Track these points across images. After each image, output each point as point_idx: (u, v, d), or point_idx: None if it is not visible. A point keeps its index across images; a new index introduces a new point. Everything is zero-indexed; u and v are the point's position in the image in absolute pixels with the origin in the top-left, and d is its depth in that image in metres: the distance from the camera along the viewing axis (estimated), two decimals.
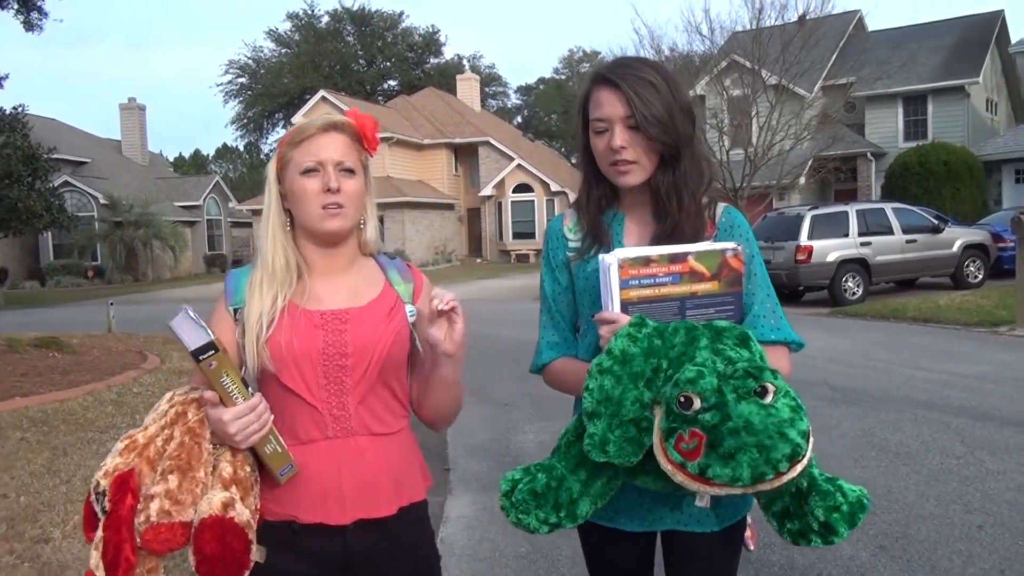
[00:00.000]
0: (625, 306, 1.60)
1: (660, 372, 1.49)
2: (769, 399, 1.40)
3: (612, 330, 1.56)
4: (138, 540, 1.49)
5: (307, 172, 1.69)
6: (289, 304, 1.69)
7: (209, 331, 1.53)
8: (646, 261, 1.60)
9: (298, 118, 34.83)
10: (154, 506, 1.49)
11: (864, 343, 10.35)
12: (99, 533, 1.53)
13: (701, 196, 1.77)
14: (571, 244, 1.86)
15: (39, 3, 11.74)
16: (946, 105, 27.69)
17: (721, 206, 1.83)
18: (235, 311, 1.71)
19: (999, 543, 3.87)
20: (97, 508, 1.55)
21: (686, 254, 1.61)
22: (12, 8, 11.62)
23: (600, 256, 1.64)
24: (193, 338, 1.52)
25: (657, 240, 1.75)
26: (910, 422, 6.19)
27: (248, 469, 1.61)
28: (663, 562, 1.85)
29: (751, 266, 1.72)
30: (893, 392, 7.24)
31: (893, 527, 4.08)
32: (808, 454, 1.40)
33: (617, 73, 1.73)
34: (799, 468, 1.39)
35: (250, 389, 1.59)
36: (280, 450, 1.64)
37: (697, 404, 1.40)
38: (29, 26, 11.87)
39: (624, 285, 1.60)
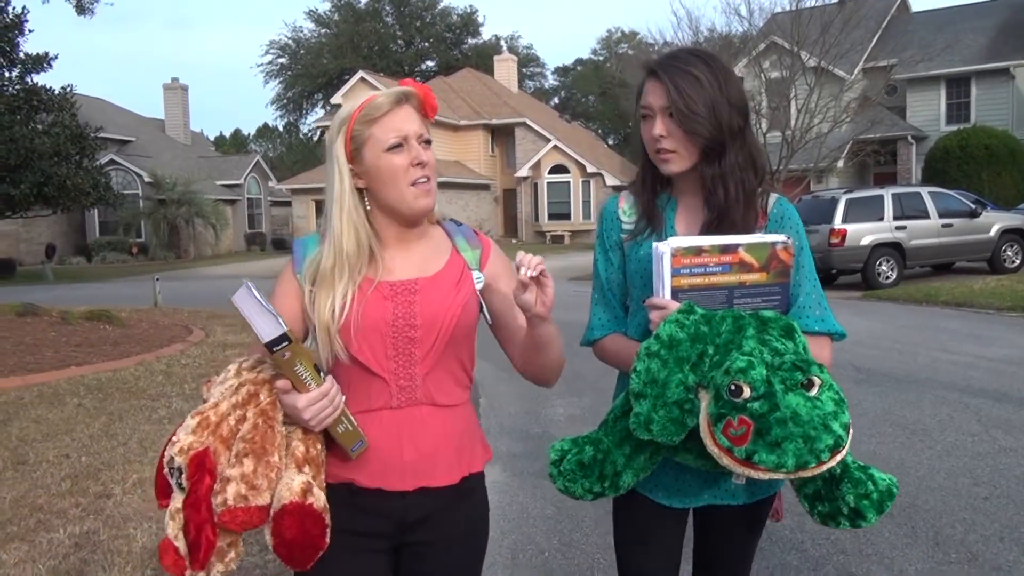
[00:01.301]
0: (676, 293, 1.65)
1: (706, 357, 1.55)
2: (815, 392, 1.48)
3: (662, 315, 1.62)
4: (215, 520, 1.52)
5: (393, 148, 1.65)
6: (364, 279, 1.67)
7: (280, 320, 1.51)
8: (698, 251, 1.65)
9: (337, 98, 35.20)
10: (231, 490, 1.50)
11: (894, 326, 10.43)
12: (174, 505, 1.56)
13: (753, 187, 1.80)
14: (625, 226, 1.91)
15: None
16: (990, 88, 27.26)
17: (773, 196, 1.85)
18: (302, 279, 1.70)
19: (1001, 513, 4.06)
20: (172, 482, 1.57)
21: (737, 245, 1.66)
22: None
23: (654, 244, 1.69)
24: (266, 329, 1.51)
25: (706, 228, 1.79)
26: (930, 401, 6.34)
27: (319, 447, 1.63)
28: (692, 532, 1.95)
29: (799, 258, 1.76)
30: (917, 373, 7.37)
31: (902, 497, 4.27)
32: (848, 445, 1.48)
33: (662, 64, 1.79)
34: (839, 458, 1.46)
35: (322, 373, 1.58)
36: (351, 428, 1.64)
37: (747, 393, 1.47)
38: (81, 10, 12.27)
39: (676, 273, 1.65)
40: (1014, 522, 3.94)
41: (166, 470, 1.58)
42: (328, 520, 1.57)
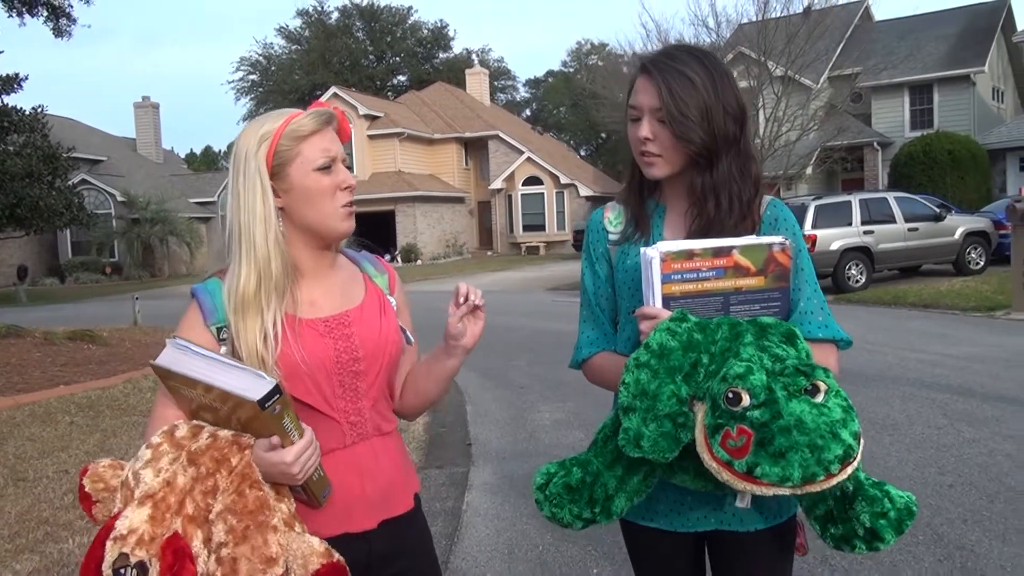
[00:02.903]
0: (667, 301, 1.55)
1: (700, 367, 1.45)
2: (820, 398, 1.37)
3: (652, 325, 1.52)
4: None
5: (322, 169, 1.60)
6: (285, 315, 1.59)
7: (262, 372, 1.42)
8: (689, 255, 1.55)
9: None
10: (244, 568, 1.37)
11: (864, 327, 10.73)
12: None
13: (749, 198, 1.70)
14: (611, 236, 1.82)
15: (68, 9, 12.19)
16: (952, 94, 27.91)
17: (766, 199, 1.75)
18: (218, 330, 1.58)
19: (965, 499, 4.33)
20: None
21: (731, 248, 1.56)
22: (41, 16, 12.08)
23: (642, 249, 1.59)
24: (249, 385, 1.39)
25: (694, 236, 1.68)
26: (898, 398, 6.64)
27: (293, 502, 1.52)
28: (710, 565, 1.83)
29: (798, 260, 1.65)
30: (886, 372, 7.66)
31: None
32: (859, 457, 1.38)
33: (656, 63, 1.68)
34: (849, 470, 1.36)
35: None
36: (323, 474, 1.56)
37: (746, 400, 1.37)
38: (59, 32, 12.33)
39: (666, 279, 1.55)
40: (976, 506, 4.21)
41: (108, 572, 1.36)
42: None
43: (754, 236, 1.64)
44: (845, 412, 1.37)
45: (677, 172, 1.72)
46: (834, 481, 1.35)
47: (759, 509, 1.68)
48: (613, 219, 1.84)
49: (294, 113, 1.62)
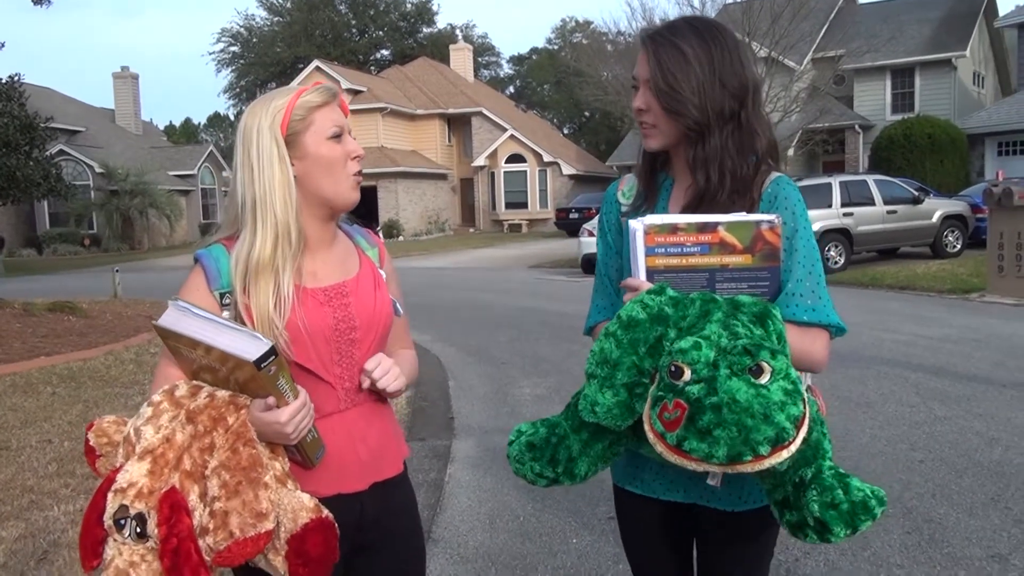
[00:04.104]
0: (651, 273, 1.56)
1: (666, 341, 1.46)
2: (764, 379, 1.36)
3: (633, 296, 1.54)
4: (209, 559, 1.43)
5: (334, 138, 1.66)
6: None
7: (258, 334, 1.47)
8: (673, 229, 1.55)
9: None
10: (235, 521, 1.41)
11: (841, 308, 10.71)
12: (123, 559, 1.44)
13: (745, 174, 1.67)
14: (623, 208, 1.84)
15: None
16: (933, 78, 28.09)
17: (772, 176, 1.70)
18: (221, 295, 1.62)
19: (935, 473, 4.46)
20: (123, 535, 1.44)
21: (716, 224, 1.55)
22: None
23: (629, 220, 1.61)
24: (246, 346, 1.43)
25: (687, 209, 1.69)
26: (873, 377, 6.77)
27: (287, 461, 1.58)
28: (695, 540, 1.86)
29: (793, 241, 1.62)
30: (862, 351, 7.79)
31: (846, 463, 4.61)
32: (797, 442, 1.35)
33: (654, 35, 1.68)
34: (784, 454, 1.34)
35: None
36: (316, 435, 1.62)
37: (687, 375, 1.38)
38: (37, 0, 12.14)
39: (650, 252, 1.56)
40: (945, 481, 4.34)
41: (109, 522, 1.44)
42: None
43: (743, 213, 1.61)
44: (786, 395, 1.35)
45: (675, 144, 1.72)
46: (765, 463, 1.35)
47: (740, 491, 1.70)
48: (627, 191, 1.87)
49: (301, 88, 1.68)
